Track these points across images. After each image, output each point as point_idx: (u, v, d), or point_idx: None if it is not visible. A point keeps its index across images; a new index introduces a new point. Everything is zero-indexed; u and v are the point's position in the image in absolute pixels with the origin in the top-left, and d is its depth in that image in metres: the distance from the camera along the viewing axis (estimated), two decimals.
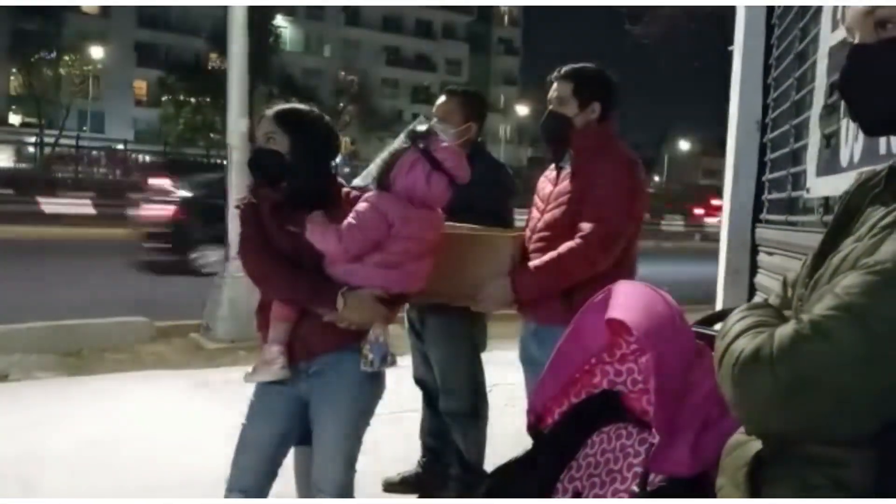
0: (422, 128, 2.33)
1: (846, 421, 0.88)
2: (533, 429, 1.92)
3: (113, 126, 42.37)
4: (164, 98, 41.10)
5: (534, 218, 2.64)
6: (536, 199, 2.70)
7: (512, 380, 3.98)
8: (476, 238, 2.61)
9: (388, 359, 2.27)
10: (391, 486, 3.45)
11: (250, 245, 2.28)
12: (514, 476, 1.87)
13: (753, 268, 3.33)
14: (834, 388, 0.86)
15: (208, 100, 35.76)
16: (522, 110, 55.17)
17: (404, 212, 2.23)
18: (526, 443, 2.03)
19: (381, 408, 4.19)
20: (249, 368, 2.33)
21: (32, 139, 35.92)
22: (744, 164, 3.37)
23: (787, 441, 0.98)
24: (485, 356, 3.37)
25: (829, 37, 2.26)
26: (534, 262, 2.48)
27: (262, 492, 2.33)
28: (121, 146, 33.61)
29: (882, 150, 2.10)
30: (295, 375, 2.27)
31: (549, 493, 1.87)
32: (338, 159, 2.42)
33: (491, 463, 3.29)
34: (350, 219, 2.21)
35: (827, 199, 2.46)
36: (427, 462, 3.48)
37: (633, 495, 1.55)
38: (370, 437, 4.02)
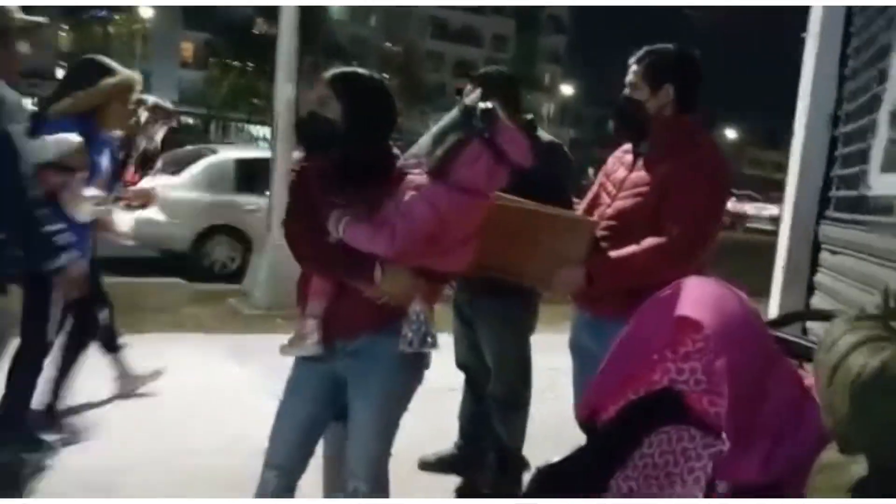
0: (484, 105, 2.12)
1: None
2: (586, 424, 1.86)
3: (159, 87, 42.81)
4: (210, 60, 41.40)
5: (602, 203, 2.54)
6: (606, 182, 2.57)
7: (553, 365, 3.93)
8: (556, 219, 2.48)
9: (428, 339, 2.15)
10: (426, 465, 3.42)
11: (293, 215, 2.20)
12: (565, 472, 1.81)
13: (814, 266, 3.20)
14: None
15: (253, 65, 35.94)
16: (567, 90, 54.48)
17: (458, 204, 2.09)
18: (563, 431, 1.96)
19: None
20: (285, 339, 2.27)
21: None
22: (812, 158, 3.22)
23: None
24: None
25: None
26: (615, 254, 2.35)
27: (298, 469, 2.29)
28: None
29: None
30: (331, 353, 2.20)
31: (601, 492, 1.81)
32: None
33: (527, 448, 3.24)
34: (402, 216, 2.06)
35: None
36: (464, 444, 3.44)
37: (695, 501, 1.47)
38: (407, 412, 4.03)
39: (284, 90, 6.75)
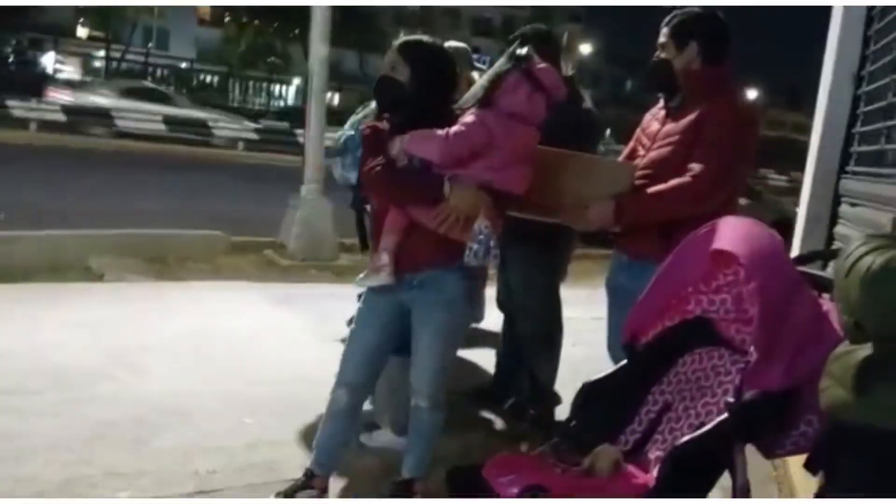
0: (522, 52, 2.45)
1: None
2: (627, 346, 2.10)
3: (177, 44, 42.71)
4: (226, 19, 41.23)
5: (638, 155, 2.74)
6: (641, 136, 2.79)
7: (579, 315, 4.22)
8: (600, 163, 2.74)
9: (492, 253, 2.37)
10: (465, 397, 3.70)
11: (370, 162, 2.45)
12: (606, 388, 2.07)
13: (834, 217, 3.40)
14: None
15: (271, 22, 35.81)
16: (585, 49, 53.75)
17: (506, 126, 2.38)
18: (589, 375, 2.19)
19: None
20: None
21: (100, 53, 36.63)
22: (835, 115, 3.39)
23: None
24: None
25: None
26: (644, 191, 2.56)
27: (365, 387, 2.62)
28: (185, 65, 34.00)
29: None
30: (399, 284, 2.45)
31: (639, 405, 2.06)
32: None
33: (560, 387, 3.51)
34: (457, 127, 2.36)
35: None
36: (500, 379, 3.72)
37: (725, 406, 1.72)
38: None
39: (318, 49, 6.93)
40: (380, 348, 2.57)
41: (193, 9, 44.71)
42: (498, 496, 1.81)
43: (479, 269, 2.54)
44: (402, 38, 2.52)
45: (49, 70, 31.92)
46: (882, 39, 3.11)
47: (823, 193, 3.43)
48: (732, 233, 1.83)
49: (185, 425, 3.18)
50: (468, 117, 2.39)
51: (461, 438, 3.22)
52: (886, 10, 3.12)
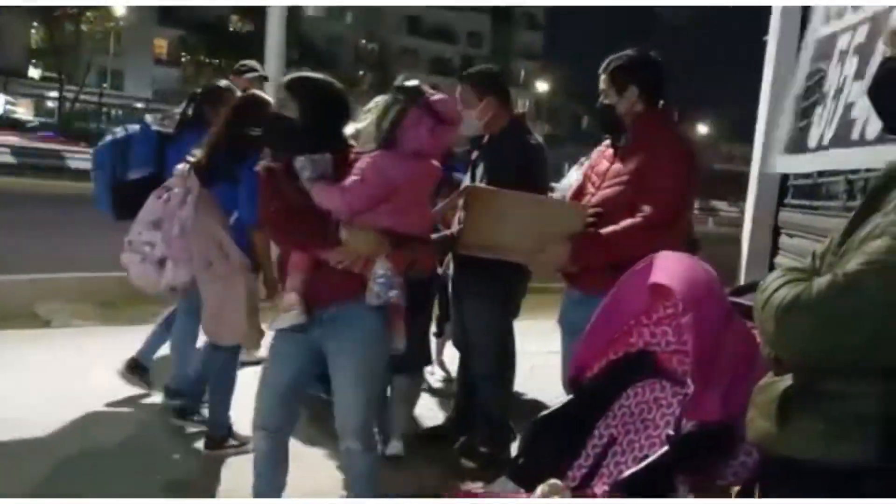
0: (411, 83, 2.45)
1: (868, 354, 1.08)
2: (573, 381, 2.13)
3: (132, 84, 42.46)
4: (183, 58, 41.18)
5: (588, 193, 2.81)
6: (591, 174, 2.87)
7: (538, 349, 4.24)
8: (552, 203, 2.81)
9: (392, 291, 2.35)
10: (423, 436, 3.70)
11: (267, 205, 2.44)
12: (553, 423, 2.08)
13: (775, 249, 3.51)
14: (861, 327, 1.06)
15: (229, 62, 35.82)
16: (542, 86, 54.82)
17: (408, 168, 2.36)
18: (548, 407, 2.22)
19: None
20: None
21: (53, 94, 36.16)
22: (772, 151, 3.53)
23: (815, 376, 1.18)
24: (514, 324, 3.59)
25: (818, 29, 2.42)
26: (598, 231, 2.62)
27: (283, 430, 2.54)
28: (140, 104, 33.73)
29: (854, 135, 2.29)
30: (310, 322, 2.41)
31: (586, 439, 2.08)
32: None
33: (515, 422, 3.52)
34: (354, 175, 2.35)
35: (851, 184, 2.63)
36: (456, 418, 3.71)
37: (667, 438, 1.74)
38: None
39: (271, 89, 6.93)
40: (294, 389, 2.52)
41: (150, 48, 44.52)
42: None
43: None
44: (289, 75, 2.48)
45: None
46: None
47: (764, 225, 3.53)
48: (668, 267, 1.87)
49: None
50: (365, 161, 2.37)
51: (417, 477, 3.20)
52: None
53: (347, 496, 2.70)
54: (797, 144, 2.46)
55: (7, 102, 33.92)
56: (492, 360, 3.42)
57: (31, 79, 39.33)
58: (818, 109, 2.71)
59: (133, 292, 6.28)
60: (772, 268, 3.50)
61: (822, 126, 2.64)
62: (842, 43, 2.75)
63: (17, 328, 5.29)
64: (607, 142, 2.84)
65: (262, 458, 2.53)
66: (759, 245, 3.54)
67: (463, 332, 3.52)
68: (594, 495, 1.92)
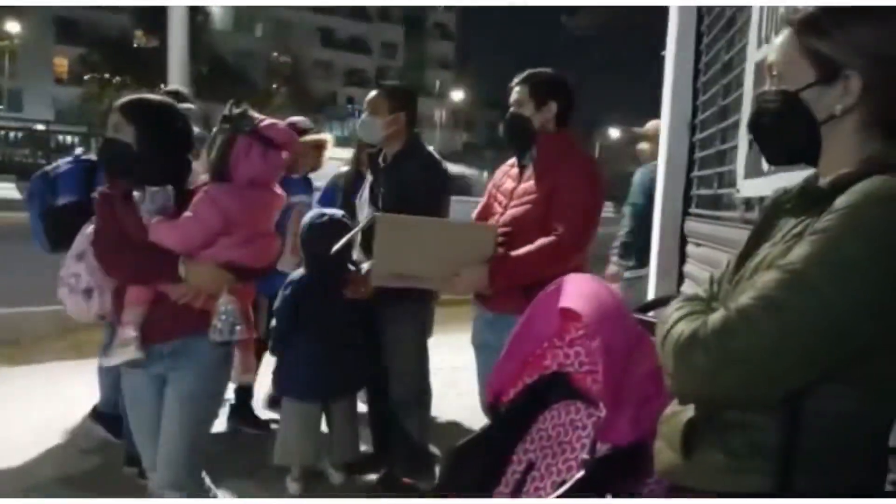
0: (237, 111, 2.39)
1: (763, 389, 1.11)
2: (491, 407, 2.12)
3: (32, 105, 40.58)
4: (86, 76, 39.63)
5: (495, 212, 2.83)
6: (497, 194, 2.88)
7: (453, 364, 4.24)
8: (464, 228, 2.80)
9: (236, 329, 2.32)
10: (346, 466, 3.61)
11: (102, 234, 2.33)
12: (473, 450, 2.07)
13: (682, 257, 3.61)
14: (753, 362, 1.08)
15: (132, 79, 34.68)
16: (457, 95, 55.37)
17: (243, 201, 2.31)
18: (467, 423, 2.22)
19: None
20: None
21: None
22: (675, 161, 3.63)
23: (716, 408, 1.20)
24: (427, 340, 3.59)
25: (755, 53, 2.51)
26: (512, 253, 2.64)
27: None
28: (41, 126, 32.21)
29: None
30: (152, 357, 2.33)
31: (505, 465, 2.07)
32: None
33: (436, 442, 3.50)
34: (188, 212, 2.26)
35: (749, 198, 2.73)
36: (376, 446, 3.66)
37: (582, 463, 1.75)
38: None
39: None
40: (157, 425, 2.38)
41: (49, 67, 42.67)
42: None
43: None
44: (124, 98, 2.38)
45: None
46: (708, 90, 3.37)
47: (671, 235, 3.64)
48: (576, 290, 1.89)
49: None
50: (198, 196, 2.30)
51: None
52: (709, 63, 3.39)
53: None
54: (754, 168, 2.54)
55: None
56: (410, 385, 3.39)
57: None
58: None
59: (37, 329, 6.08)
60: (681, 277, 3.60)
61: None
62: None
63: None
64: (512, 160, 2.87)
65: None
66: (668, 254, 3.64)
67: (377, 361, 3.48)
68: None
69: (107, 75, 38.14)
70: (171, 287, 2.27)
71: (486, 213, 2.90)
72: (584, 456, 1.74)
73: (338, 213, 3.42)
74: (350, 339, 3.37)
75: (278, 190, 2.47)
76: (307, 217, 3.42)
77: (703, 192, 3.38)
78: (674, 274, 3.61)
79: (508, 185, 2.83)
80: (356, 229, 2.96)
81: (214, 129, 2.39)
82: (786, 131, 1.23)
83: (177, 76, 6.76)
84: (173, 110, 2.37)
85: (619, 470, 1.74)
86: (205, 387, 2.35)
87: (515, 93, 2.80)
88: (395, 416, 3.44)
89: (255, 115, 2.41)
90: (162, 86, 5.17)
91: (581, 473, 1.73)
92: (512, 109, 2.81)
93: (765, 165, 2.35)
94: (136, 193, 2.27)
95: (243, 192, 2.31)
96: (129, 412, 2.44)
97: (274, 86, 44.14)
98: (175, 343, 2.31)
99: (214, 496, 2.45)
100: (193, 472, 2.38)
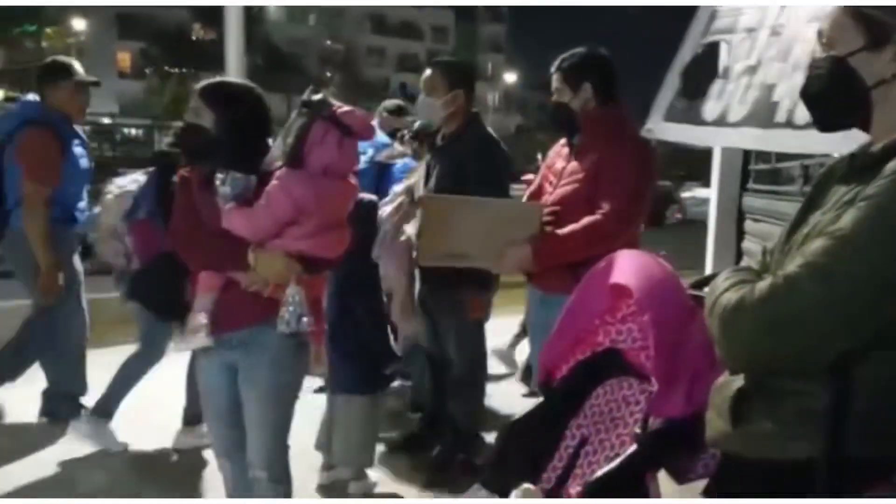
0: (316, 97, 2.31)
1: (809, 354, 1.10)
2: (544, 384, 2.13)
3: (97, 99, 41.83)
4: (147, 70, 40.73)
5: (545, 191, 2.83)
6: (548, 173, 2.88)
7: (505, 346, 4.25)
8: (510, 207, 2.80)
9: (304, 320, 2.26)
10: (393, 444, 3.69)
11: (178, 218, 2.34)
12: (527, 426, 2.09)
13: (740, 234, 3.55)
14: (799, 327, 1.08)
15: (193, 70, 35.52)
16: (510, 77, 54.92)
17: (316, 190, 2.24)
18: (518, 406, 2.22)
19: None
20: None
21: None
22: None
23: (765, 376, 1.20)
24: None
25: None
26: (557, 232, 2.62)
27: (241, 453, 2.41)
28: (107, 120, 33.24)
29: (779, 118, 2.32)
30: (222, 344, 2.31)
31: (559, 441, 2.09)
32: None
33: (489, 424, 3.54)
34: (260, 200, 2.21)
35: (807, 169, 2.67)
36: (425, 425, 3.72)
37: (635, 437, 1.76)
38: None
39: None
40: (232, 410, 2.40)
41: (113, 62, 43.97)
42: None
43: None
44: (204, 82, 2.35)
45: None
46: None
47: (728, 212, 3.57)
48: (626, 266, 1.88)
49: None
50: (272, 184, 2.24)
51: (392, 487, 3.21)
52: None
53: None
54: (687, 115, 2.49)
55: None
56: (469, 366, 3.42)
57: None
58: (717, 83, 2.74)
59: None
60: (739, 252, 3.54)
61: (723, 101, 2.68)
62: (748, 20, 2.76)
63: None
64: (563, 140, 2.86)
65: (231, 484, 2.49)
66: (725, 232, 3.58)
67: (435, 341, 3.52)
68: (569, 496, 1.94)
69: (167, 68, 39.16)
70: (242, 276, 2.25)
71: (538, 194, 2.89)
72: (637, 430, 1.74)
73: (371, 196, 3.39)
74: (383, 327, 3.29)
75: (353, 180, 2.40)
76: None
77: (761, 166, 3.31)
78: (731, 250, 3.56)
79: (559, 164, 2.82)
80: (400, 213, 2.94)
81: (293, 114, 2.31)
82: (835, 97, 1.22)
83: (234, 67, 6.87)
84: (253, 94, 2.35)
85: (672, 444, 1.74)
86: (277, 377, 2.31)
87: (553, 80, 2.78)
88: (450, 397, 3.50)
89: (334, 101, 2.33)
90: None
91: (633, 448, 1.74)
92: (553, 97, 2.80)
93: (707, 115, 2.33)
94: (218, 176, 2.24)
95: (316, 180, 2.24)
96: (203, 398, 2.48)
97: (327, 73, 44.56)
98: (243, 332, 2.29)
99: (290, 482, 2.45)
100: (279, 459, 2.40)
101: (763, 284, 1.13)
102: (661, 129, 2.67)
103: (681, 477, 1.89)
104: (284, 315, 2.23)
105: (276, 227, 2.23)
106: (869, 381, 1.11)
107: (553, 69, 2.77)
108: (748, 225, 3.49)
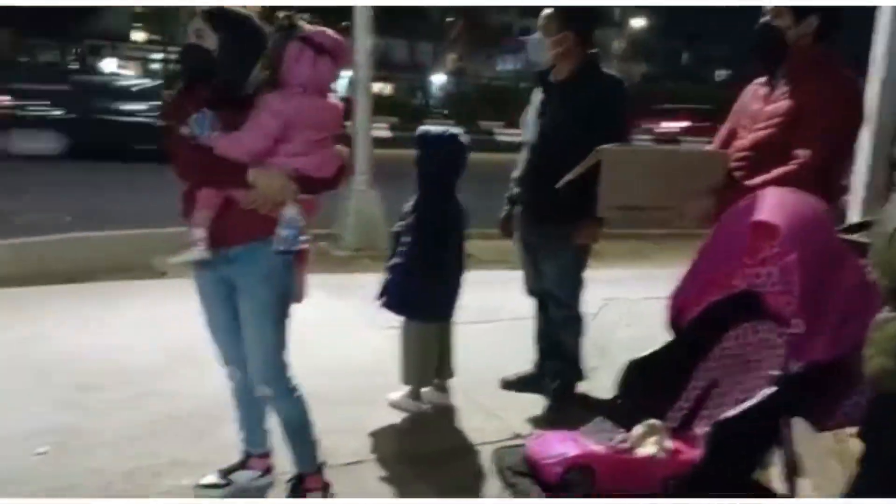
0: (286, 15, 2.37)
1: None
2: (673, 324, 2.08)
3: None
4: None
5: (739, 137, 2.60)
6: (742, 117, 2.64)
7: (621, 295, 4.16)
8: (691, 154, 2.63)
9: (300, 239, 2.36)
10: (509, 384, 3.72)
11: (174, 136, 2.35)
12: (653, 364, 2.06)
13: (890, 184, 3.30)
14: None
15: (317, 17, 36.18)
16: (638, 23, 52.61)
17: (298, 103, 2.32)
18: (634, 353, 2.15)
19: (501, 314, 4.41)
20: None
21: (157, 56, 37.63)
22: (890, 81, 3.28)
23: None
24: (597, 273, 3.60)
25: None
26: (746, 183, 2.39)
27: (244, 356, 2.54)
28: None
29: None
30: (217, 259, 2.39)
31: (685, 381, 2.05)
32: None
33: (607, 374, 3.51)
34: (248, 122, 2.31)
35: None
36: (541, 363, 3.73)
37: (773, 379, 1.69)
38: (490, 338, 4.29)
39: (363, 42, 7.02)
40: (231, 322, 2.51)
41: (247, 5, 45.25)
42: (542, 475, 1.83)
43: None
44: (206, 5, 2.39)
45: None
46: None
47: (879, 160, 3.32)
48: (774, 203, 1.79)
49: None
50: (258, 107, 2.33)
51: (504, 423, 3.28)
52: None
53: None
54: None
55: (119, 66, 35.46)
56: (573, 305, 3.45)
57: (136, 42, 40.92)
58: None
59: None
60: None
61: None
62: None
63: (135, 279, 5.61)
64: (760, 80, 2.60)
65: (238, 392, 2.65)
66: (877, 183, 3.33)
67: (539, 280, 3.52)
68: (695, 436, 1.90)
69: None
70: (241, 194, 2.35)
71: (730, 139, 2.66)
72: (776, 372, 1.68)
73: (455, 129, 3.44)
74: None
75: (333, 99, 2.47)
76: (422, 131, 3.44)
77: None
78: (882, 200, 3.31)
79: (755, 106, 2.56)
80: (579, 167, 2.80)
81: (272, 40, 2.38)
82: None
83: (359, 13, 6.97)
84: (252, 20, 2.43)
85: (812, 388, 1.67)
86: (272, 291, 2.41)
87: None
88: (555, 333, 3.53)
89: (306, 24, 2.40)
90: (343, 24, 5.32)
91: (772, 389, 1.68)
92: (766, 18, 2.50)
93: None
94: (182, 129, 2.34)
95: (296, 97, 2.33)
96: (202, 307, 2.59)
97: (448, 19, 44.25)
98: (239, 248, 2.38)
99: (300, 395, 2.57)
100: (280, 372, 2.51)
101: None
102: None
103: (820, 424, 1.82)
104: (281, 233, 2.33)
105: (265, 142, 2.32)
106: None
107: None
108: None
